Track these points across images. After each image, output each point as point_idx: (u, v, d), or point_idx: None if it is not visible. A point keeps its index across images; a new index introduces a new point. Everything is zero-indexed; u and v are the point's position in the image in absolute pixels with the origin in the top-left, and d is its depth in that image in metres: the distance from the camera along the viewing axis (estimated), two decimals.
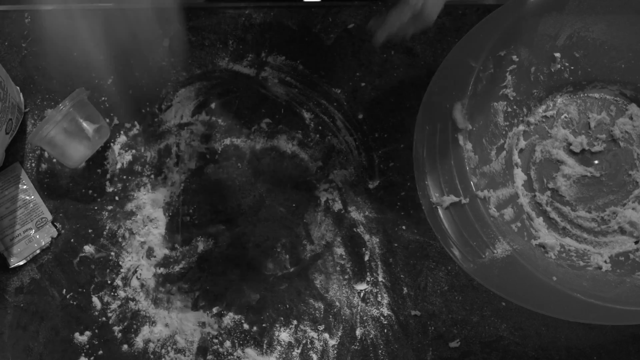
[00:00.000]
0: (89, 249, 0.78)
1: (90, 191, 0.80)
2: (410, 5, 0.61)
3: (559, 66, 0.75)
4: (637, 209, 0.73)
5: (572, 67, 0.76)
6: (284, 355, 0.74)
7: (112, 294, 0.77)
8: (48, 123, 0.74)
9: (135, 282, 0.77)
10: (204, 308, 0.76)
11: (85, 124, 0.77)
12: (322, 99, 0.80)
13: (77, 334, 0.76)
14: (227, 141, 0.80)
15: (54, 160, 0.80)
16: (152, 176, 0.80)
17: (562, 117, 0.77)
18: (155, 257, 0.78)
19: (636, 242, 0.72)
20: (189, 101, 0.81)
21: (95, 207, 0.79)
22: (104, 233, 0.78)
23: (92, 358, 0.76)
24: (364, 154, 0.79)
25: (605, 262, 0.71)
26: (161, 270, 0.77)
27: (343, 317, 0.75)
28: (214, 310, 0.76)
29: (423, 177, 0.68)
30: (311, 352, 0.74)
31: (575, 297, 0.64)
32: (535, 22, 0.72)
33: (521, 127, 0.77)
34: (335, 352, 0.74)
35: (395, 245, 0.77)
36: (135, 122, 0.82)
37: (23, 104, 0.82)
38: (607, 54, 0.75)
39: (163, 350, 0.75)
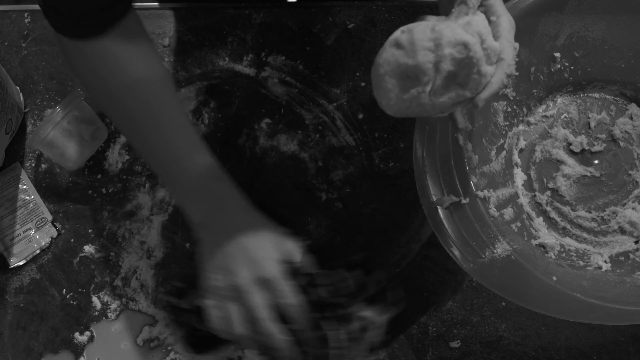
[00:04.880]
0: (89, 249, 0.78)
1: (90, 191, 0.80)
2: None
3: (559, 66, 0.75)
4: (637, 208, 0.73)
5: (572, 67, 0.76)
6: None
7: (112, 294, 0.77)
8: (45, 126, 0.75)
9: (135, 283, 0.77)
10: None
11: (82, 126, 0.77)
12: (322, 99, 0.80)
13: (77, 334, 0.76)
14: (227, 141, 0.80)
15: (54, 161, 0.80)
16: (152, 176, 0.80)
17: (562, 117, 0.77)
18: (155, 257, 0.78)
19: (636, 242, 0.72)
20: (189, 101, 0.81)
21: (95, 208, 0.79)
22: (104, 233, 0.78)
23: (92, 358, 0.76)
24: (364, 154, 0.79)
25: (605, 262, 0.71)
26: (161, 270, 0.77)
27: None
28: None
29: (423, 177, 0.68)
30: None
31: (575, 297, 0.64)
32: (535, 22, 0.72)
33: (521, 127, 0.77)
34: None
35: (396, 245, 0.76)
36: None
37: (23, 104, 0.82)
38: (607, 54, 0.74)
39: (163, 351, 0.75)
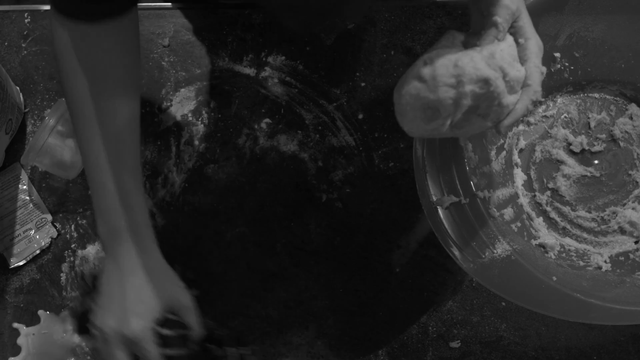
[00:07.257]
0: (89, 249, 0.78)
1: (90, 191, 0.80)
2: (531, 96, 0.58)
3: (559, 66, 0.75)
4: (637, 209, 0.73)
5: (572, 67, 0.76)
6: None
7: None
8: (37, 141, 0.74)
9: None
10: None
11: (70, 140, 0.76)
12: (322, 99, 0.80)
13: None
14: (227, 141, 0.80)
15: (52, 172, 0.80)
16: (152, 176, 0.80)
17: (562, 117, 0.77)
18: None
19: (636, 242, 0.72)
20: (189, 101, 0.81)
21: None
22: None
23: (91, 358, 0.76)
24: (364, 154, 0.79)
25: (605, 262, 0.71)
26: None
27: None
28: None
29: (423, 177, 0.68)
30: None
31: (575, 297, 0.64)
32: (535, 22, 0.71)
33: (521, 127, 0.77)
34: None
35: (396, 245, 0.76)
36: None
37: (23, 104, 0.82)
38: (607, 54, 0.74)
39: None
